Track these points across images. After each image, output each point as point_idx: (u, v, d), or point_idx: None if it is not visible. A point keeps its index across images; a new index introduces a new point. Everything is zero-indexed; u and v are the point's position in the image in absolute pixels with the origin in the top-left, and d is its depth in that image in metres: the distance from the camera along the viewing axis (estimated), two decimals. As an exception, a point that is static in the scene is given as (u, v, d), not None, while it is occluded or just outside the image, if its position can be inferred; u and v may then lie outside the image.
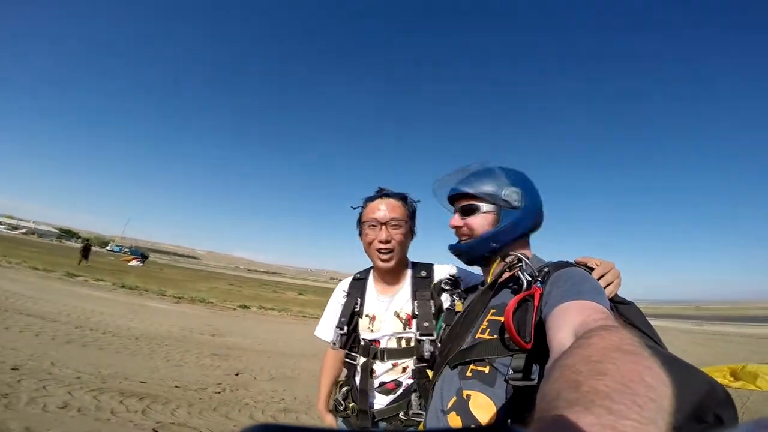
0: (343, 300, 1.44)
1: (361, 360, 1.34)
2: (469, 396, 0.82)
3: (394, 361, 1.30)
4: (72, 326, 5.48)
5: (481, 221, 0.99)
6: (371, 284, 1.44)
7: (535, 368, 0.74)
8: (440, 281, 1.31)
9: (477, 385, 0.82)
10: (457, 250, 1.06)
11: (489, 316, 0.90)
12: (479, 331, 0.90)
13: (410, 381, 1.29)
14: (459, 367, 0.88)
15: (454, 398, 0.85)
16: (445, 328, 1.12)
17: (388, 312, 1.34)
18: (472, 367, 0.85)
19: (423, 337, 1.23)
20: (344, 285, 1.51)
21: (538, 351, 0.74)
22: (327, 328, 1.48)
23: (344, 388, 1.41)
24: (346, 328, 1.35)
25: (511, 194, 0.97)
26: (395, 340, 1.32)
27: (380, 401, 1.31)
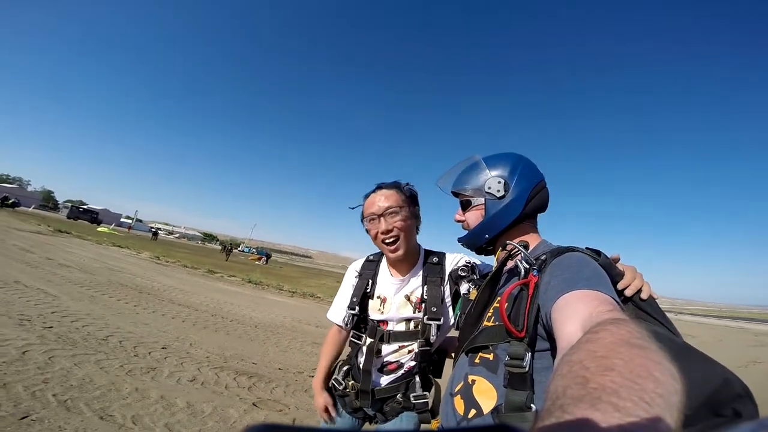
0: (355, 281, 1.43)
1: (368, 341, 1.34)
2: (473, 381, 0.86)
3: (400, 344, 1.29)
4: (209, 314, 6.58)
5: (475, 215, 1.05)
6: (384, 267, 1.41)
7: (528, 356, 0.75)
8: (458, 268, 1.25)
9: (482, 371, 0.85)
10: (461, 242, 1.12)
11: (495, 304, 0.92)
12: (485, 318, 0.93)
13: (413, 363, 1.29)
14: (470, 353, 0.92)
15: (462, 383, 0.89)
16: (460, 316, 1.10)
17: (399, 295, 1.33)
18: (480, 354, 0.88)
19: (430, 322, 1.23)
20: (356, 266, 1.49)
21: (532, 339, 0.77)
22: (339, 310, 1.47)
23: (345, 367, 1.42)
24: (357, 309, 1.35)
25: (493, 185, 0.99)
26: (403, 323, 1.31)
27: (381, 381, 1.32)
